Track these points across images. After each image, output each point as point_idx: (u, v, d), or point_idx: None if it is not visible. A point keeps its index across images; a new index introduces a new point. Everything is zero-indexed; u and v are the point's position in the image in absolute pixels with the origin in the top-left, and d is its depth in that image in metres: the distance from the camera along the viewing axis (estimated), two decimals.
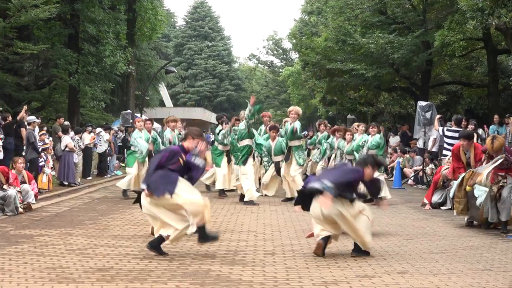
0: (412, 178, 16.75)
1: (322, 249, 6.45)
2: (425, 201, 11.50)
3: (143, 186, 6.30)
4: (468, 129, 14.35)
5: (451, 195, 9.22)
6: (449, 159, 11.93)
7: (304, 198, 6.56)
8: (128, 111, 22.33)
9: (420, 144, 16.79)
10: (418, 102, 17.23)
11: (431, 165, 15.62)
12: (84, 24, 20.26)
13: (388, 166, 18.71)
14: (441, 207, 11.21)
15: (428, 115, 15.80)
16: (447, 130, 13.02)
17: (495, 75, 19.58)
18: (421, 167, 16.46)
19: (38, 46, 17.75)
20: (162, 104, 47.36)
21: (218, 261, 6.13)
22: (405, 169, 17.15)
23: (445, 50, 18.09)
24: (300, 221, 9.32)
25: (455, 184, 9.04)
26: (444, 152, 12.97)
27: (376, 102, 28.85)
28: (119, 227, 8.48)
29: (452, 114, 20.00)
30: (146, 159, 11.94)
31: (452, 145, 12.65)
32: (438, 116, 14.74)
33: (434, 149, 16.24)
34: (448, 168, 11.59)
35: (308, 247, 6.96)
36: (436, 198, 11.33)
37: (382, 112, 30.57)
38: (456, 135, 12.66)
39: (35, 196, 10.56)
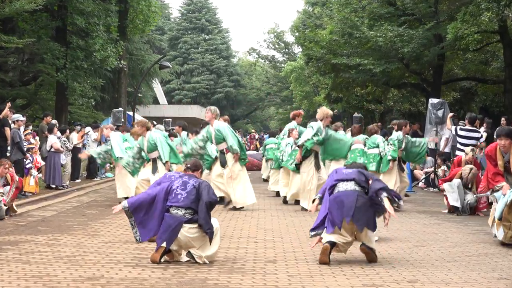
0: (423, 181, 16.77)
1: (328, 254, 6.47)
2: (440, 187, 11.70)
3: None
4: (482, 128, 14.36)
5: (496, 215, 7.79)
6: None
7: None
8: (120, 109, 22.36)
9: (431, 144, 16.81)
10: (430, 99, 17.24)
11: (444, 167, 15.63)
12: (72, 16, 20.27)
13: None
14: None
15: (440, 113, 15.81)
16: (460, 129, 13.03)
17: (511, 70, 19.58)
18: (432, 169, 16.48)
19: (23, 40, 17.77)
20: (156, 101, 47.41)
21: (215, 269, 6.14)
22: (415, 171, 17.17)
23: (459, 43, 18.10)
24: (303, 226, 9.34)
25: (501, 202, 7.66)
26: (457, 153, 12.98)
27: (384, 100, 28.87)
28: (110, 232, 8.50)
29: (466, 112, 20.01)
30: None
31: (466, 145, 12.69)
32: (451, 114, 14.76)
33: (446, 150, 16.26)
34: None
35: (312, 254, 6.98)
36: (453, 203, 11.29)
37: (391, 110, 30.61)
38: (470, 134, 12.68)
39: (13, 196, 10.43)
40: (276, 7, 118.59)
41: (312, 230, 6.73)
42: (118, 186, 12.07)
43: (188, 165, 6.96)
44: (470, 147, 11.75)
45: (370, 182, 6.74)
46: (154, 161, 11.02)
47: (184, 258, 6.55)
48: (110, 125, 12.60)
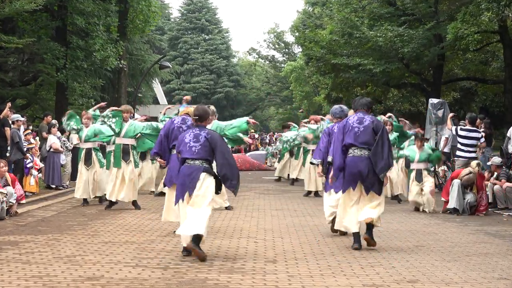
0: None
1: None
2: (443, 199, 11.54)
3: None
4: (481, 129, 14.35)
5: None
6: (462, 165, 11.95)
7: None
8: None
9: (431, 144, 16.79)
10: (430, 99, 17.24)
11: (444, 167, 15.63)
12: (72, 16, 20.25)
13: None
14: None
15: (440, 113, 15.80)
16: (461, 129, 12.98)
17: (511, 70, 19.58)
18: (432, 168, 16.46)
19: (24, 40, 17.75)
20: (156, 101, 47.37)
21: (215, 269, 6.14)
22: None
23: (459, 43, 18.11)
24: (303, 226, 9.34)
25: None
26: (458, 153, 12.93)
27: (384, 100, 28.87)
28: (110, 232, 8.49)
29: (466, 112, 20.02)
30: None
31: (466, 145, 12.66)
32: (451, 114, 14.75)
33: (446, 150, 16.23)
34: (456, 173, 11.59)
35: (312, 254, 6.99)
36: (452, 204, 11.29)
37: (391, 110, 30.58)
38: (471, 134, 12.64)
39: (18, 199, 10.52)
40: (276, 7, 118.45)
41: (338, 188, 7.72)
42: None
43: (197, 115, 6.96)
44: (476, 162, 11.72)
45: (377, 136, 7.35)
46: (127, 150, 11.17)
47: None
48: (89, 115, 12.42)
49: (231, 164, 6.69)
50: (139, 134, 11.22)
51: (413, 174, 11.82)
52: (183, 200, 6.69)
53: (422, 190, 11.56)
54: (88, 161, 11.84)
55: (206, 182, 6.64)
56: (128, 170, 11.17)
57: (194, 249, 6.45)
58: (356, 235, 7.40)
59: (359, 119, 7.48)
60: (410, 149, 12.18)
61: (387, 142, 7.38)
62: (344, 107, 8.90)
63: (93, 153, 11.90)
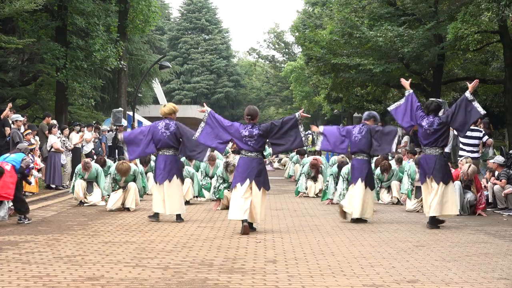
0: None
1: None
2: None
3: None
4: (479, 128, 14.35)
5: None
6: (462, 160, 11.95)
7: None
8: (120, 109, 22.36)
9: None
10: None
11: None
12: (73, 16, 20.25)
13: None
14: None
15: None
16: None
17: (511, 70, 19.57)
18: None
19: (24, 40, 17.77)
20: (156, 101, 47.43)
21: (215, 269, 6.15)
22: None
23: (459, 43, 18.08)
24: (303, 226, 9.34)
25: None
26: (460, 152, 12.90)
27: (384, 100, 28.86)
28: (110, 232, 8.50)
29: None
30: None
31: (468, 145, 12.63)
32: None
33: (446, 150, 16.21)
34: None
35: (312, 254, 6.99)
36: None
37: None
38: (473, 134, 12.62)
39: None
40: (276, 7, 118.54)
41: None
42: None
43: (249, 115, 8.48)
44: (465, 160, 11.78)
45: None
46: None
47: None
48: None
49: None
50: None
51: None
52: (241, 184, 8.29)
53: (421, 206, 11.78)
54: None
55: (263, 171, 8.47)
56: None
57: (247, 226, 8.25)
58: (432, 218, 9.13)
59: (430, 122, 9.21)
60: (411, 166, 12.27)
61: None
62: (373, 112, 10.44)
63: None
